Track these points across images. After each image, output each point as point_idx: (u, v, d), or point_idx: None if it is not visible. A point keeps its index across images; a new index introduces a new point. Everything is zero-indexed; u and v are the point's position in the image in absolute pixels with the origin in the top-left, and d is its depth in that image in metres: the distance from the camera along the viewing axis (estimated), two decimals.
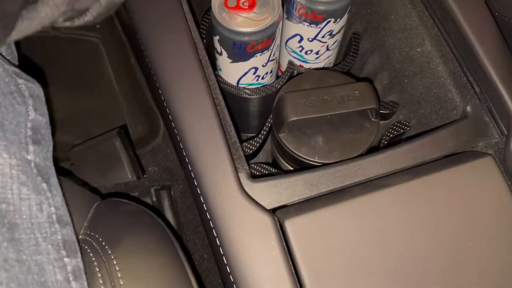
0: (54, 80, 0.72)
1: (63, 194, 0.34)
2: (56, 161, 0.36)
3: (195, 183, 0.38)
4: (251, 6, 0.46)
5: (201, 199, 0.37)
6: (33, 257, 0.28)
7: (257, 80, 0.54)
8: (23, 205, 0.29)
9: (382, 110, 0.52)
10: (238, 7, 0.46)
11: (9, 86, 0.31)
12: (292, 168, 0.50)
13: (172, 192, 0.63)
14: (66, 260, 0.30)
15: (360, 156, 0.42)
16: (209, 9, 0.59)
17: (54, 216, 0.30)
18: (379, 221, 0.36)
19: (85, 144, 0.64)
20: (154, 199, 0.61)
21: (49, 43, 0.79)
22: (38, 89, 0.33)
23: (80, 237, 0.35)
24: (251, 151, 0.51)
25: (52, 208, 0.30)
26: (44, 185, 0.30)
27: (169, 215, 0.61)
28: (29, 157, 0.30)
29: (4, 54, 0.38)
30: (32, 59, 0.73)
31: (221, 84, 0.53)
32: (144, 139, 0.70)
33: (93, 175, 0.62)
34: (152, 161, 0.68)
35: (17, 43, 0.41)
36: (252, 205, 0.36)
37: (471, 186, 0.38)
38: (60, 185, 0.34)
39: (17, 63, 0.40)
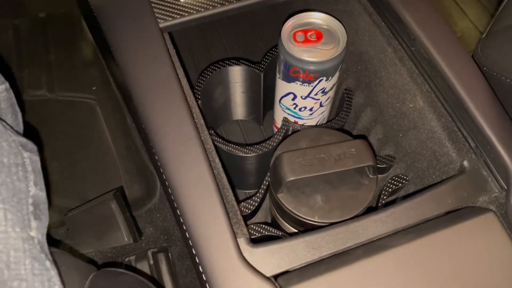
0: (51, 143, 0.72)
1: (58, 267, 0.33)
2: (50, 227, 0.35)
3: (194, 251, 0.37)
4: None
5: (200, 268, 0.36)
6: None
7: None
8: (36, 281, 0.28)
9: (379, 164, 0.52)
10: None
11: (16, 158, 0.31)
12: (291, 228, 0.49)
13: (169, 254, 0.61)
14: None
15: (361, 215, 0.42)
16: (205, 69, 0.60)
17: None
18: (384, 285, 0.35)
19: (81, 208, 0.63)
20: (152, 262, 0.60)
21: (46, 106, 0.80)
22: (39, 162, 0.33)
23: None
24: (249, 211, 0.50)
25: (57, 287, 0.29)
26: (48, 262, 0.29)
27: (167, 279, 0.59)
28: (32, 234, 0.30)
29: (11, 123, 0.38)
30: (29, 123, 0.74)
31: (217, 143, 0.53)
32: (141, 199, 0.69)
33: (89, 240, 0.60)
34: (149, 222, 0.66)
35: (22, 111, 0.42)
36: (253, 273, 0.35)
37: (475, 244, 0.37)
38: (54, 258, 0.33)
39: (22, 131, 0.40)
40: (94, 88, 0.81)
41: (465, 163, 0.42)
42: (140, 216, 0.68)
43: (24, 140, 0.33)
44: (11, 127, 0.34)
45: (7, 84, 0.39)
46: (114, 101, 0.77)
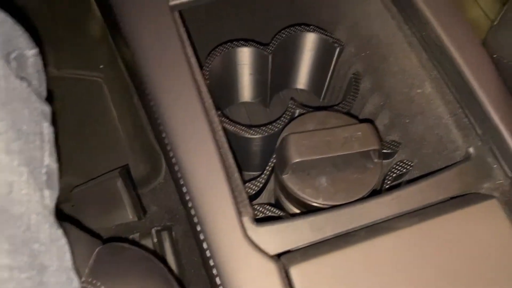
0: (57, 120, 0.73)
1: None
2: (58, 204, 0.35)
3: (198, 229, 0.37)
4: None
5: (204, 245, 0.36)
6: None
7: None
8: (53, 246, 0.29)
9: (384, 150, 0.52)
10: None
11: (35, 127, 0.31)
12: (295, 209, 0.49)
13: (173, 232, 0.62)
14: None
15: (365, 198, 0.42)
16: (213, 49, 0.60)
17: (69, 264, 0.30)
18: (386, 266, 0.36)
19: (87, 184, 0.64)
20: (155, 240, 0.60)
21: (52, 83, 0.80)
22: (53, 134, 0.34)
23: (82, 284, 0.34)
24: (254, 192, 0.51)
25: (68, 254, 0.30)
26: (60, 231, 0.30)
27: (170, 257, 0.60)
28: (45, 202, 0.30)
29: (36, 89, 0.37)
30: None
31: (224, 124, 0.53)
32: (146, 178, 0.69)
33: (94, 216, 0.61)
34: (154, 200, 0.67)
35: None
36: (257, 251, 0.35)
37: (477, 229, 0.38)
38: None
39: (45, 94, 0.40)
40: (101, 66, 0.81)
41: (471, 149, 0.42)
42: (145, 194, 0.68)
43: (46, 108, 0.33)
44: (37, 91, 0.34)
45: (36, 50, 0.38)
46: (121, 80, 0.77)
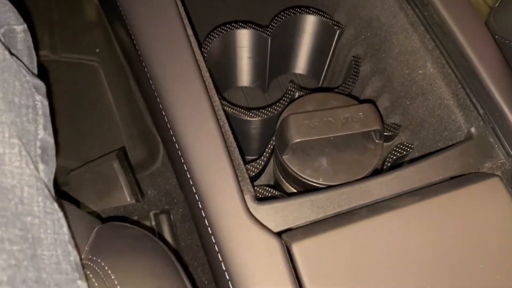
0: (53, 104, 0.72)
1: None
2: (54, 185, 0.35)
3: (199, 205, 0.37)
4: None
5: (206, 222, 0.36)
6: (54, 276, 0.27)
7: None
8: (48, 219, 0.28)
9: (384, 132, 0.52)
10: None
11: (27, 100, 0.30)
12: (295, 190, 0.49)
13: (171, 216, 0.62)
14: (79, 282, 0.29)
15: (366, 177, 0.42)
16: (211, 31, 0.59)
17: (66, 237, 0.29)
18: (387, 244, 0.36)
19: (84, 166, 0.63)
20: (153, 223, 0.60)
21: (48, 67, 0.79)
22: (48, 107, 0.33)
23: (82, 261, 0.34)
24: (254, 173, 0.50)
25: (64, 229, 0.29)
26: (56, 204, 0.29)
27: (168, 240, 0.60)
28: (40, 176, 0.29)
29: (25, 62, 0.37)
30: None
31: (224, 107, 0.53)
32: (143, 163, 0.69)
33: (91, 198, 0.61)
34: (151, 184, 0.67)
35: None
36: (259, 228, 0.35)
37: (479, 208, 0.38)
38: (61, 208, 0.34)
39: (36, 72, 0.39)
40: (97, 50, 0.80)
41: (473, 129, 0.42)
42: (142, 179, 0.68)
43: (38, 82, 0.32)
44: (27, 68, 0.33)
45: (25, 26, 0.37)
46: (117, 64, 0.76)
